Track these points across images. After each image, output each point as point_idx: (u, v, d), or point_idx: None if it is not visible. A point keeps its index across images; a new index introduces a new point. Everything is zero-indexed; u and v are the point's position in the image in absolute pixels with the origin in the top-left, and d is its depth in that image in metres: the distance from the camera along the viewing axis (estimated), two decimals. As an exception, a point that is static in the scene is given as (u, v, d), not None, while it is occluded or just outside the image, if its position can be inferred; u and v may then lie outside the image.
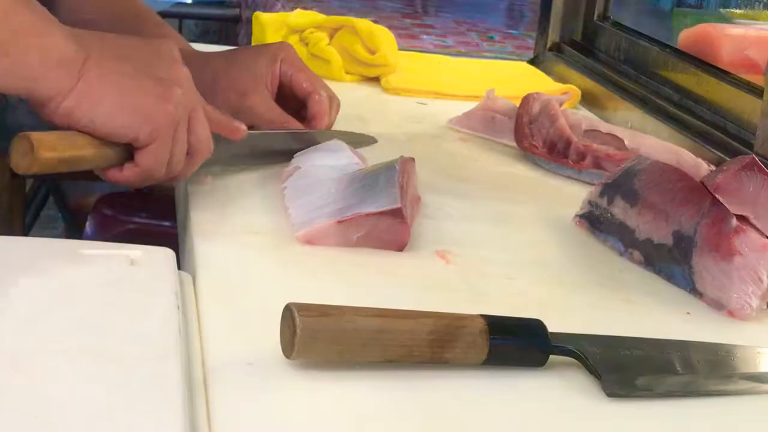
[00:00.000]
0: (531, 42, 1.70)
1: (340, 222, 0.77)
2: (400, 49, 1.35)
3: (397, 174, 0.81)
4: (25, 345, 0.57)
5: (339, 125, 1.07)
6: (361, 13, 2.01)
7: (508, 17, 2.71)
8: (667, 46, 1.25)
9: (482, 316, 0.62)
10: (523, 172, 1.03)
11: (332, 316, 0.58)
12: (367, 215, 0.77)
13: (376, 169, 0.84)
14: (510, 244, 0.84)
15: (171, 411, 0.52)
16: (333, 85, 1.26)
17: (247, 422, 0.55)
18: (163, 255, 0.69)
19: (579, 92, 1.30)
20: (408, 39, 1.91)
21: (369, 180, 0.82)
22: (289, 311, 0.58)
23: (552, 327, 0.63)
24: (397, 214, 0.77)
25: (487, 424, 0.58)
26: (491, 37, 2.08)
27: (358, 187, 0.81)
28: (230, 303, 0.67)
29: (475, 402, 0.60)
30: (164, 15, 2.24)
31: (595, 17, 1.38)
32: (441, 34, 2.05)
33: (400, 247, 0.78)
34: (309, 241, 0.77)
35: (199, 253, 0.73)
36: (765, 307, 0.75)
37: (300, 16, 1.33)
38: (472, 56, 1.77)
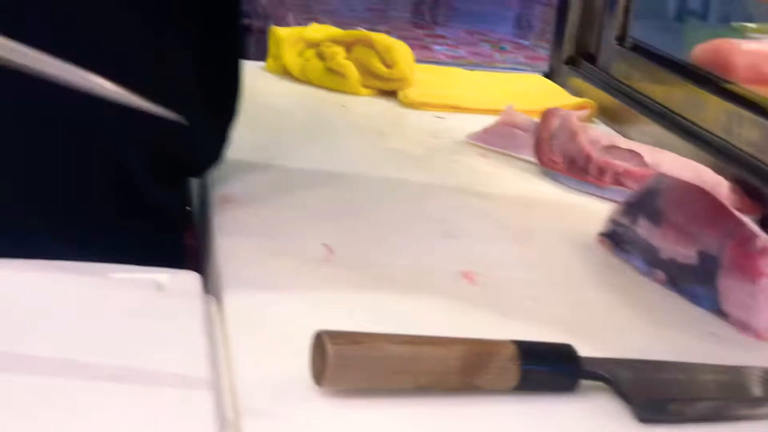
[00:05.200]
0: (542, 52, 1.70)
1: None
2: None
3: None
4: (55, 371, 0.57)
5: (358, 140, 1.07)
6: (372, 24, 2.02)
7: (517, 27, 2.72)
8: (687, 70, 1.23)
9: (513, 341, 0.61)
10: (544, 188, 1.03)
11: (363, 344, 0.58)
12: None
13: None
14: (533, 263, 0.84)
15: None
16: (350, 99, 1.27)
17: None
18: (189, 279, 0.69)
19: (595, 106, 1.30)
20: (420, 50, 1.91)
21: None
22: (319, 339, 0.58)
23: (580, 349, 0.63)
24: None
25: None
26: (503, 48, 2.08)
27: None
28: (257, 328, 0.67)
29: (507, 427, 0.59)
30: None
31: (614, 38, 1.37)
32: (453, 44, 2.05)
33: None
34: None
35: (224, 277, 0.73)
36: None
37: (316, 31, 1.33)
38: (485, 67, 1.77)
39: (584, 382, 0.63)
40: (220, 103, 0.89)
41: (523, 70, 1.67)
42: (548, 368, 0.62)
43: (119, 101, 0.58)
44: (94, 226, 0.80)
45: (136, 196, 0.82)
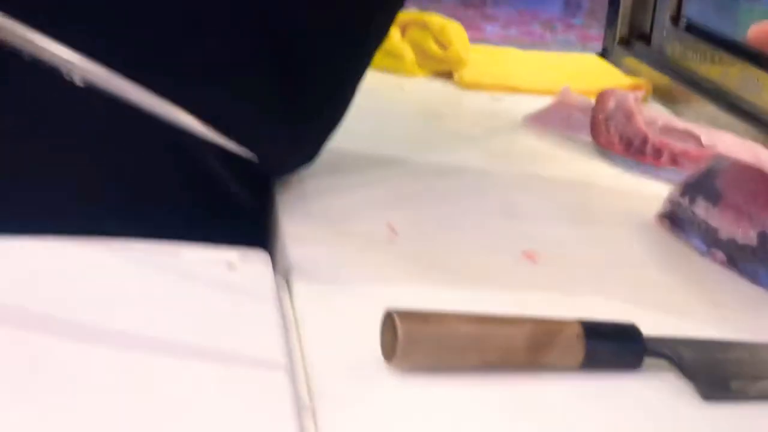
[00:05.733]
0: (593, 32, 1.70)
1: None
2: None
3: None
4: (133, 347, 0.59)
5: (414, 122, 1.08)
6: (422, 4, 2.02)
7: (566, 6, 2.71)
8: (742, 50, 1.23)
9: (578, 320, 0.63)
10: (601, 169, 1.04)
11: (432, 323, 0.60)
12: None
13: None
14: (594, 242, 0.85)
15: (283, 419, 0.54)
16: (406, 81, 1.28)
17: (354, 424, 0.56)
18: (259, 258, 0.71)
19: (650, 86, 1.30)
20: (472, 30, 1.92)
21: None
22: (390, 318, 0.60)
23: (642, 328, 0.64)
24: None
25: (585, 425, 0.59)
26: (554, 27, 2.08)
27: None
28: (326, 307, 0.69)
29: (572, 404, 0.61)
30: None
31: (668, 18, 1.37)
32: (504, 24, 2.06)
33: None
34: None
35: (292, 258, 0.75)
36: None
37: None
38: (537, 47, 1.77)
39: (648, 360, 0.64)
40: (306, 113, 0.88)
41: (576, 49, 1.67)
42: (613, 346, 0.63)
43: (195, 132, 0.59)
44: (171, 219, 0.81)
45: (216, 194, 0.84)
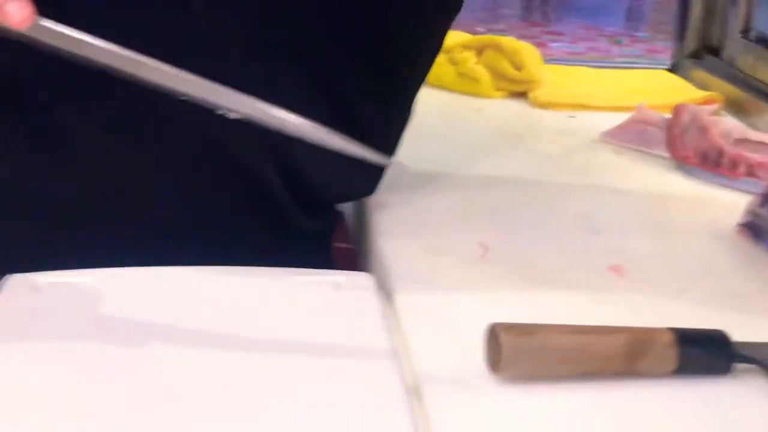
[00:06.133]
0: (658, 45, 1.73)
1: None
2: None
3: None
4: (262, 355, 0.64)
5: (496, 142, 1.13)
6: (488, 23, 2.06)
7: (628, 19, 2.74)
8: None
9: (670, 329, 0.66)
10: (679, 182, 1.07)
11: (534, 335, 0.64)
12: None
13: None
14: (677, 255, 0.88)
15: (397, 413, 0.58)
16: (483, 102, 1.32)
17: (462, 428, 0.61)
18: (365, 279, 0.76)
19: (723, 99, 1.33)
20: (539, 48, 1.96)
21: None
22: (494, 330, 0.64)
23: (732, 335, 0.68)
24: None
25: (680, 427, 0.63)
26: (619, 41, 2.11)
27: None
28: (428, 322, 0.73)
29: (667, 408, 0.64)
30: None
31: (738, 31, 1.40)
32: (570, 40, 2.09)
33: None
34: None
35: (393, 276, 0.79)
36: None
37: (448, 37, 1.38)
38: (605, 62, 1.80)
39: (738, 366, 0.67)
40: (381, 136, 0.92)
41: (643, 63, 1.70)
42: (703, 353, 0.67)
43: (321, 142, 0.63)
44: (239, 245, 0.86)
45: (283, 221, 0.88)
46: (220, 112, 0.61)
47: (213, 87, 0.61)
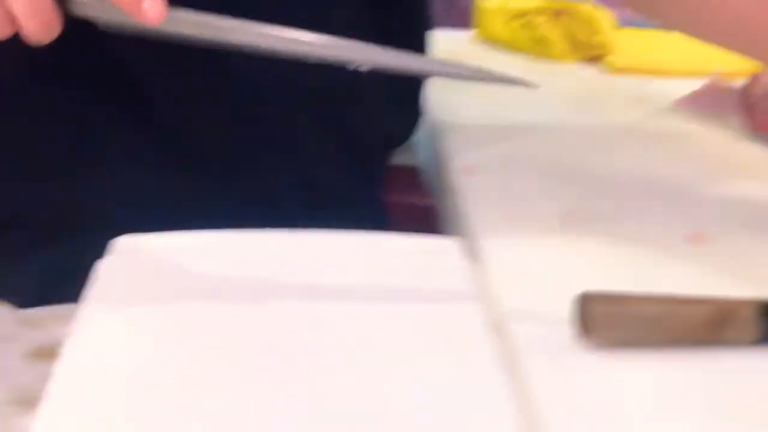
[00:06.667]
0: None
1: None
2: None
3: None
4: (342, 343, 0.67)
5: (572, 108, 1.15)
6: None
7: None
8: None
9: (752, 300, 0.69)
10: (754, 151, 1.09)
11: (624, 304, 0.67)
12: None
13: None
14: (756, 224, 0.90)
15: (493, 386, 0.61)
16: (558, 68, 1.34)
17: (555, 392, 0.64)
18: (453, 244, 0.79)
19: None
20: (615, 7, 1.96)
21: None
22: (585, 299, 0.67)
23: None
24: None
25: (761, 395, 0.65)
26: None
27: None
28: (518, 286, 0.76)
29: (749, 378, 0.67)
30: None
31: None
32: None
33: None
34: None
35: (481, 241, 0.82)
36: None
37: (522, 2, 1.41)
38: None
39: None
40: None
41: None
42: (785, 324, 0.69)
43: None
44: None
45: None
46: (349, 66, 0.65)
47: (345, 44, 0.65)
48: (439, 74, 0.73)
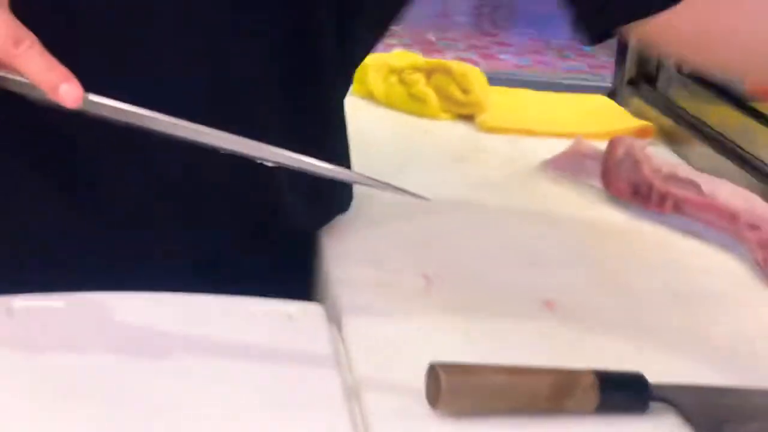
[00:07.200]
0: (604, 59, 1.80)
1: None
2: (483, 71, 1.47)
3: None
4: (202, 402, 0.69)
5: (442, 165, 1.19)
6: (441, 31, 2.12)
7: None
8: (736, 101, 1.32)
9: (593, 371, 0.73)
10: (612, 215, 1.14)
11: (471, 375, 0.70)
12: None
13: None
14: (609, 289, 0.95)
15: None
16: (431, 124, 1.39)
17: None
18: (315, 309, 0.82)
19: (656, 129, 1.41)
20: (487, 60, 2.03)
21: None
22: (434, 370, 0.70)
23: (649, 372, 0.74)
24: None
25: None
26: (567, 56, 2.18)
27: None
28: (375, 352, 0.79)
29: (589, 444, 0.71)
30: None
31: (673, 63, 1.47)
32: (518, 52, 2.16)
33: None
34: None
35: (343, 306, 0.85)
36: None
37: (400, 58, 1.45)
38: (551, 78, 1.87)
39: (654, 404, 0.74)
40: None
41: (588, 82, 1.77)
42: (623, 393, 0.74)
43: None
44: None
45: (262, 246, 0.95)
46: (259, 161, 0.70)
47: (250, 143, 0.69)
48: (341, 179, 0.78)
